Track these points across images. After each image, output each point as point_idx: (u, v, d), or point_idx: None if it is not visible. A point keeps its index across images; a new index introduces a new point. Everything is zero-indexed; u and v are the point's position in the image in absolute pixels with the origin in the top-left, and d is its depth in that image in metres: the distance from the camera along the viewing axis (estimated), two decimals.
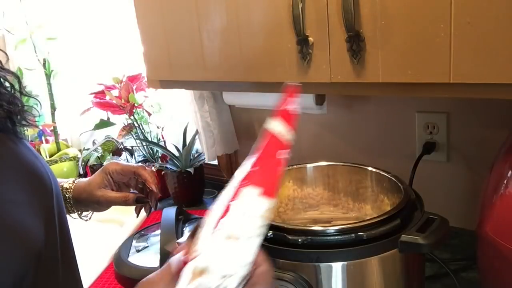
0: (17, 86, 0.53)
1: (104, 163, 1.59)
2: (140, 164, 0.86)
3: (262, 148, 0.42)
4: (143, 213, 1.35)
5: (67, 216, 0.60)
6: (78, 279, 0.59)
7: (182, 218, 1.19)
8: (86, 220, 0.84)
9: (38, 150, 1.71)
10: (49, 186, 0.52)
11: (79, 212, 0.82)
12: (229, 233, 0.38)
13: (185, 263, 0.40)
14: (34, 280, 0.46)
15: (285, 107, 0.44)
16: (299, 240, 0.63)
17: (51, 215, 0.51)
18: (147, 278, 0.46)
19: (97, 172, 0.82)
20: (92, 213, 0.84)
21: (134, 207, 0.85)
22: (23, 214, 0.46)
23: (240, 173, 0.41)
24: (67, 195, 0.79)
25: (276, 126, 0.44)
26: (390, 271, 0.66)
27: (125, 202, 0.80)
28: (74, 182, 0.80)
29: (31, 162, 0.52)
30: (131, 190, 0.84)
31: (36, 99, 0.60)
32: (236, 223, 0.38)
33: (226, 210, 0.39)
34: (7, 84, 0.52)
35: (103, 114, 1.63)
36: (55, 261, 0.51)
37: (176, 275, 0.43)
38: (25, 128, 0.56)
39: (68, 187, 0.80)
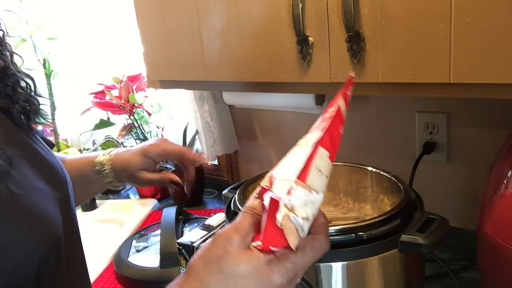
0: (32, 87, 0.57)
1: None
2: (181, 147, 0.87)
3: (332, 118, 0.46)
4: (143, 213, 1.35)
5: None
6: (87, 270, 0.61)
7: (182, 218, 1.19)
8: (120, 189, 0.86)
9: None
10: (63, 179, 0.55)
11: (116, 180, 0.83)
12: (308, 184, 0.42)
13: (273, 203, 0.41)
14: (56, 265, 0.48)
15: (346, 91, 0.47)
16: None
17: (67, 206, 0.53)
18: (220, 232, 0.45)
19: (136, 152, 0.82)
20: (125, 185, 0.86)
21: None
22: (45, 201, 0.48)
23: (314, 131, 0.45)
24: (105, 169, 0.80)
25: (341, 104, 0.47)
26: (390, 271, 0.66)
27: (162, 183, 0.85)
28: (110, 155, 0.81)
29: (46, 156, 0.54)
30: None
31: (48, 99, 0.63)
32: (312, 177, 0.42)
33: (308, 163, 0.42)
34: (23, 84, 0.55)
35: (103, 114, 1.63)
36: (72, 249, 0.53)
37: (255, 223, 0.44)
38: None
39: (105, 161, 0.81)
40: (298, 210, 0.41)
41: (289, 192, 0.41)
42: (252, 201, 0.46)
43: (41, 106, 0.58)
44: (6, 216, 0.42)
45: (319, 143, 0.44)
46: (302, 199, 0.41)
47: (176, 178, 0.85)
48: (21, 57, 0.57)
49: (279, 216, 0.41)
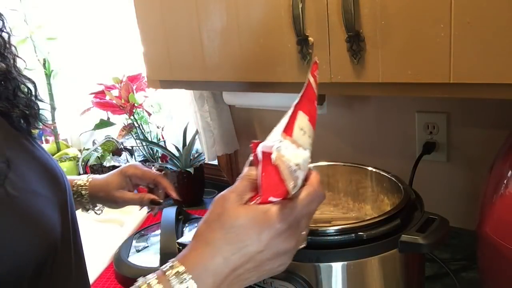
0: (33, 92, 0.58)
1: (104, 163, 1.59)
2: (158, 172, 0.92)
3: (305, 88, 0.49)
4: (143, 213, 1.35)
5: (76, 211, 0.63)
6: (86, 274, 0.61)
7: (182, 218, 1.19)
8: (99, 214, 0.88)
9: None
10: (62, 184, 0.55)
11: (93, 206, 0.86)
12: (294, 139, 0.45)
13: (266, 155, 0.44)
14: (52, 270, 0.48)
15: (314, 72, 0.51)
16: None
17: (66, 210, 0.54)
18: (217, 195, 0.47)
19: (115, 172, 0.87)
20: (104, 207, 0.88)
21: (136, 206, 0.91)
22: (44, 206, 0.48)
23: (296, 101, 0.49)
24: (83, 192, 0.83)
25: (311, 79, 0.50)
26: (390, 271, 0.66)
27: (140, 203, 0.88)
28: (88, 179, 0.84)
29: (46, 160, 0.55)
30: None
31: (49, 104, 0.64)
32: (296, 133, 0.46)
33: (291, 121, 0.47)
34: (24, 88, 0.56)
35: (103, 114, 1.63)
36: (69, 254, 0.53)
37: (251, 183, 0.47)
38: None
39: (83, 184, 0.83)
40: (289, 157, 0.43)
41: (277, 147, 0.44)
42: (245, 169, 0.48)
43: (41, 111, 0.59)
44: (2, 218, 0.42)
45: (298, 107, 0.47)
46: (290, 150, 0.44)
47: (155, 198, 0.88)
48: (24, 60, 0.57)
49: (273, 156, 0.43)
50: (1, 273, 0.41)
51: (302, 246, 0.49)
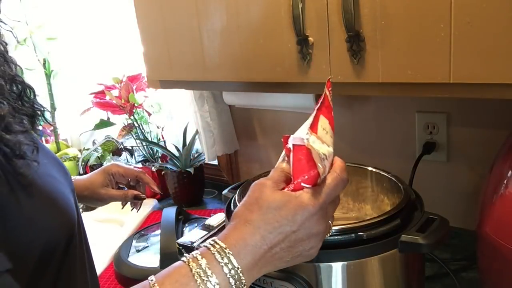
0: (32, 96, 0.62)
1: (104, 163, 1.59)
2: (139, 169, 0.95)
3: (325, 99, 0.54)
4: (143, 213, 1.36)
5: None
6: (94, 266, 0.65)
7: (182, 218, 1.19)
8: (82, 211, 0.92)
9: None
10: (69, 175, 0.61)
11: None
12: (319, 135, 0.50)
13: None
14: (74, 249, 0.53)
15: (329, 89, 0.55)
16: None
17: (75, 197, 0.58)
18: (254, 183, 0.51)
19: (97, 171, 0.91)
20: (84, 206, 0.95)
21: (126, 204, 0.97)
22: (63, 190, 0.54)
23: (316, 106, 0.53)
24: None
25: (328, 95, 0.55)
26: (390, 271, 0.66)
27: (124, 199, 0.92)
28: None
29: (54, 155, 0.60)
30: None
31: (48, 110, 0.68)
32: (320, 132, 0.51)
33: (315, 121, 0.51)
34: (28, 92, 0.60)
35: (103, 114, 1.63)
36: (81, 237, 0.58)
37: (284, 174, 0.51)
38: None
39: None
40: (315, 146, 0.48)
41: (306, 137, 0.48)
42: (278, 163, 0.53)
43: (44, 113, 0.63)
44: (37, 198, 0.48)
45: (319, 111, 0.52)
46: (317, 143, 0.49)
47: (138, 193, 0.92)
48: (21, 68, 0.60)
49: (305, 142, 0.47)
50: (38, 249, 0.47)
51: (330, 233, 0.54)
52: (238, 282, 0.45)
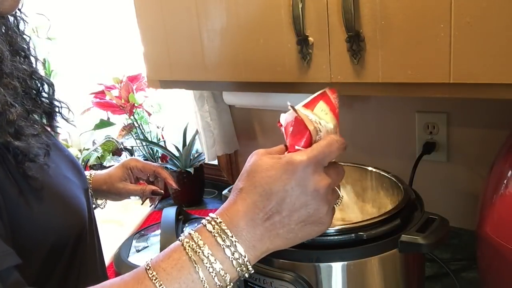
0: (51, 92, 0.63)
1: (104, 164, 1.59)
2: (157, 164, 0.97)
3: (325, 95, 0.52)
4: (143, 213, 1.35)
5: None
6: (104, 262, 0.67)
7: (182, 218, 1.19)
8: (102, 208, 0.92)
9: None
10: (84, 175, 0.62)
11: (96, 200, 0.90)
12: (314, 112, 0.50)
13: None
14: (83, 248, 0.55)
15: (334, 95, 0.53)
16: None
17: (88, 197, 0.59)
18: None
19: (116, 166, 0.91)
20: (106, 202, 0.93)
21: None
22: (75, 190, 0.55)
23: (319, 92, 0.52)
24: None
25: (328, 92, 0.53)
26: (390, 271, 0.66)
27: (142, 194, 0.91)
28: (91, 175, 0.88)
29: (69, 153, 0.61)
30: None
31: (65, 106, 0.68)
32: (317, 111, 0.50)
33: (312, 100, 0.51)
34: (46, 88, 0.61)
35: (103, 114, 1.63)
36: (92, 235, 0.59)
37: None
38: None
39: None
40: (306, 113, 0.48)
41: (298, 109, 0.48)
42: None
43: (62, 109, 0.65)
44: (47, 200, 0.49)
45: (320, 97, 0.51)
46: (309, 113, 0.48)
47: (156, 188, 0.92)
48: (43, 62, 0.62)
49: (297, 108, 0.47)
50: (46, 248, 0.48)
51: (339, 203, 0.50)
52: (239, 259, 0.43)
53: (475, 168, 0.97)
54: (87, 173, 0.89)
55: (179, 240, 0.45)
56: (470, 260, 0.95)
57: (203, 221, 0.46)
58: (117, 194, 0.89)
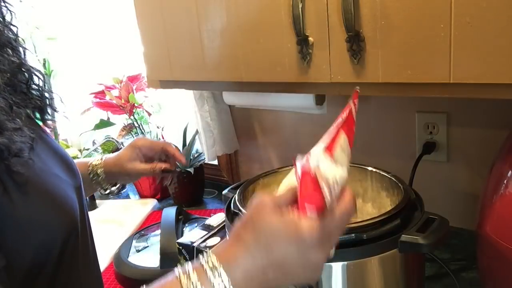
0: (42, 83, 0.60)
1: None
2: (164, 141, 0.94)
3: (347, 114, 0.51)
4: (143, 213, 1.35)
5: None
6: (97, 260, 0.64)
7: (182, 218, 1.19)
8: (116, 193, 0.92)
9: None
10: (76, 171, 0.59)
11: (110, 185, 0.91)
12: (334, 157, 0.48)
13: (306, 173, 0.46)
14: (74, 249, 0.52)
15: (355, 100, 0.53)
16: None
17: (81, 195, 0.57)
18: (255, 199, 0.48)
19: (125, 147, 0.91)
20: (120, 188, 0.90)
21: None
22: (65, 188, 0.52)
23: (339, 120, 0.51)
24: (98, 171, 0.87)
25: (352, 107, 0.52)
26: (390, 271, 0.66)
27: (152, 172, 0.90)
28: (102, 159, 0.88)
29: (60, 149, 0.59)
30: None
31: (55, 96, 0.65)
32: (337, 152, 0.48)
33: (334, 139, 0.49)
34: (36, 80, 0.59)
35: (103, 114, 1.63)
36: (85, 236, 0.57)
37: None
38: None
39: (97, 164, 0.88)
40: (326, 171, 0.46)
41: (317, 161, 0.46)
42: (290, 174, 0.51)
43: (53, 101, 0.62)
44: (33, 197, 0.47)
45: (341, 127, 0.50)
46: (329, 166, 0.47)
47: (166, 166, 0.91)
48: (31, 52, 0.59)
49: (312, 166, 0.45)
50: (33, 248, 0.46)
51: (331, 256, 0.49)
52: None
53: (475, 168, 0.97)
54: (98, 157, 0.89)
55: (176, 275, 0.45)
56: (470, 260, 0.95)
57: (205, 264, 0.45)
58: (127, 175, 0.89)
